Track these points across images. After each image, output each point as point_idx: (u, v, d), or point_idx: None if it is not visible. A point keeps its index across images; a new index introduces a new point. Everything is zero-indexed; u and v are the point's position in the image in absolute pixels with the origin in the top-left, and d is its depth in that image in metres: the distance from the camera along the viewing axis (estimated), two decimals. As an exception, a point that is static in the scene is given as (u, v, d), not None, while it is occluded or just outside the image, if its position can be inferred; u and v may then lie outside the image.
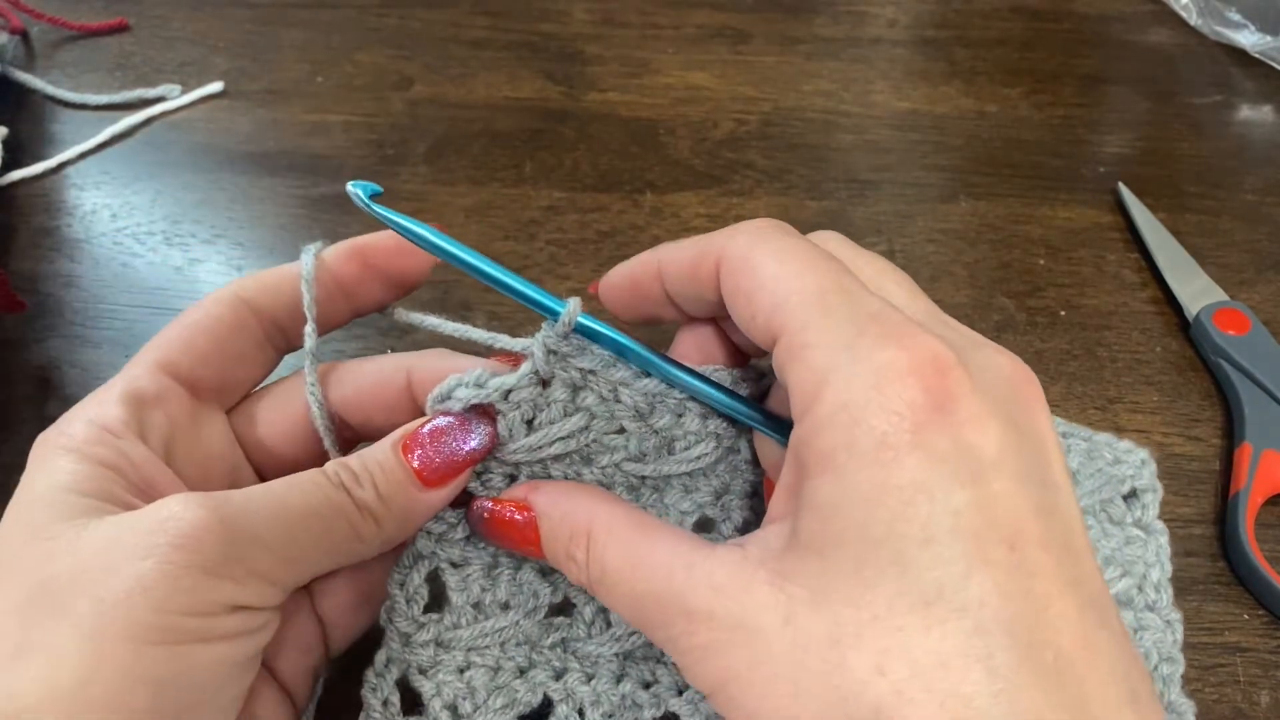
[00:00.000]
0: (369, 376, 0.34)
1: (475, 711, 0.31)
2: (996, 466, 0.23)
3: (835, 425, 0.23)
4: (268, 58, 0.65)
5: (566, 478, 0.32)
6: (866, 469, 0.23)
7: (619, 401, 0.32)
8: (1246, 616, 0.40)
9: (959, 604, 0.22)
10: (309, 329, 0.33)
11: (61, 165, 0.58)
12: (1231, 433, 0.46)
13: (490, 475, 0.32)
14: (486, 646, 0.32)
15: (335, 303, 0.34)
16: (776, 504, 0.27)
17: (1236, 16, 0.67)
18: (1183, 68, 0.67)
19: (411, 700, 0.32)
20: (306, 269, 0.33)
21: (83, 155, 0.58)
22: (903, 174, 0.59)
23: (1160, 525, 0.34)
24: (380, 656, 0.32)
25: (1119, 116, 0.64)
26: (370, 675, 0.32)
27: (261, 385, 0.35)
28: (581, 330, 0.30)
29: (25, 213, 0.55)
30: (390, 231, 0.31)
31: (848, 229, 0.55)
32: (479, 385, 0.30)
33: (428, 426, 0.30)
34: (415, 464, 0.30)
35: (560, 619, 0.33)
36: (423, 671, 0.32)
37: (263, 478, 0.34)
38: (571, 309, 0.30)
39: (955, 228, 0.56)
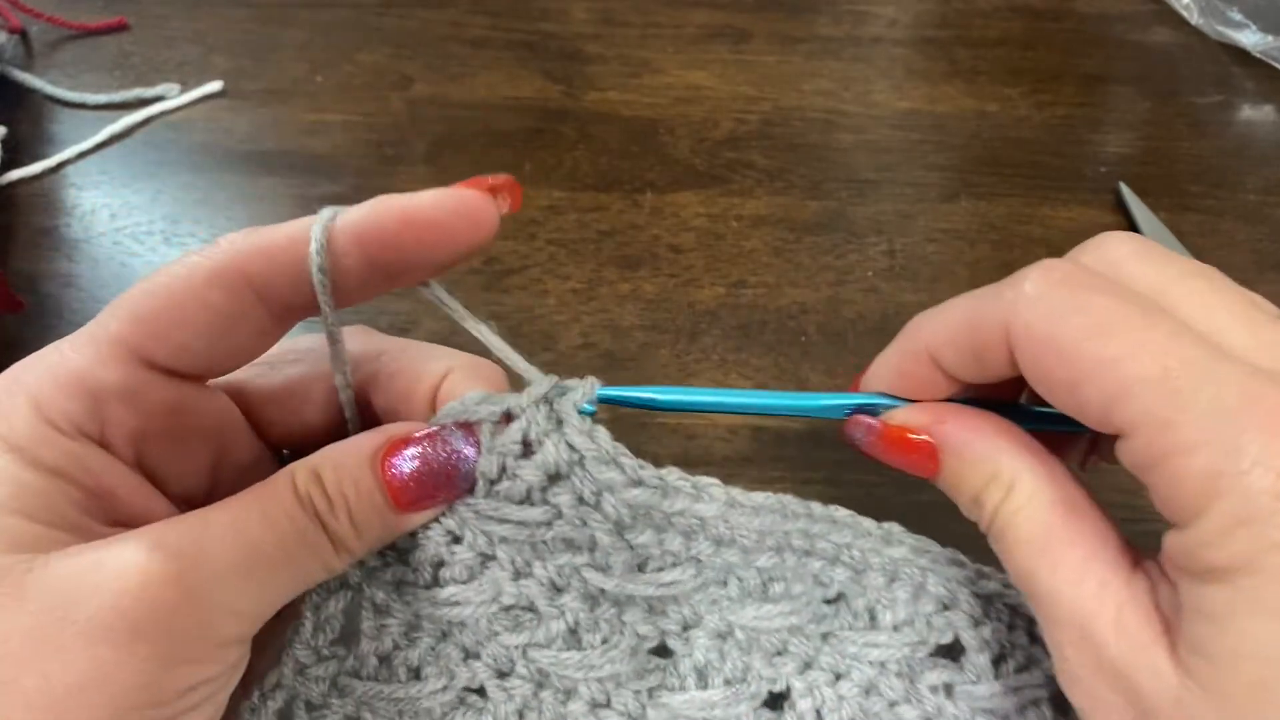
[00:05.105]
0: (415, 368, 0.30)
1: None
2: None
3: (1235, 540, 0.22)
4: (268, 57, 0.65)
5: (513, 563, 0.29)
6: (1272, 585, 0.22)
7: (598, 509, 0.28)
8: (1248, 617, 0.40)
9: None
10: (327, 321, 0.27)
11: (60, 165, 0.58)
12: (1233, 433, 0.46)
13: (429, 529, 0.29)
14: (381, 711, 0.29)
15: (363, 277, 0.27)
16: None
17: (1238, 16, 0.67)
18: (1184, 67, 0.67)
19: None
20: (317, 255, 0.26)
21: (82, 155, 0.58)
22: (903, 174, 0.59)
23: None
24: (270, 678, 0.28)
25: (1120, 116, 0.64)
26: (254, 695, 0.28)
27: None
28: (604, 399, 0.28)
29: (24, 212, 0.55)
30: (433, 198, 0.27)
31: (848, 229, 0.55)
32: (476, 406, 0.28)
33: (409, 446, 0.28)
34: (392, 482, 0.27)
35: (475, 698, 0.29)
36: (310, 709, 0.29)
37: (259, 431, 0.31)
38: (586, 389, 0.28)
39: (956, 227, 0.55)
